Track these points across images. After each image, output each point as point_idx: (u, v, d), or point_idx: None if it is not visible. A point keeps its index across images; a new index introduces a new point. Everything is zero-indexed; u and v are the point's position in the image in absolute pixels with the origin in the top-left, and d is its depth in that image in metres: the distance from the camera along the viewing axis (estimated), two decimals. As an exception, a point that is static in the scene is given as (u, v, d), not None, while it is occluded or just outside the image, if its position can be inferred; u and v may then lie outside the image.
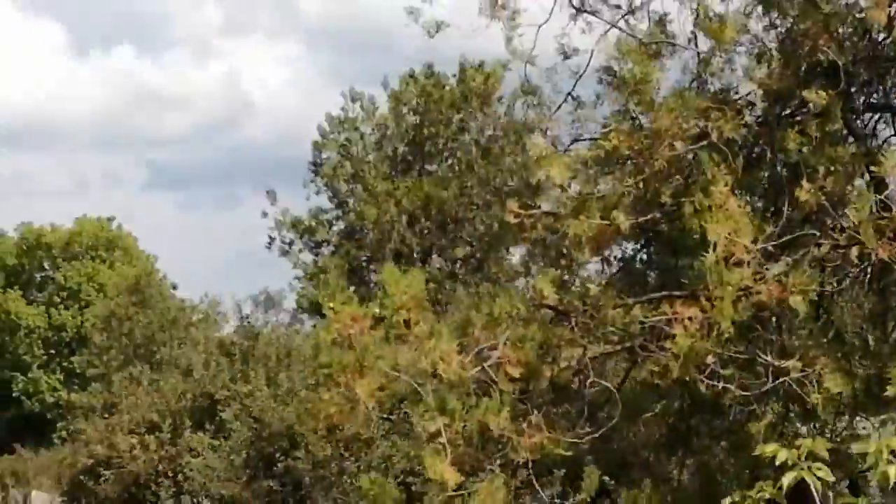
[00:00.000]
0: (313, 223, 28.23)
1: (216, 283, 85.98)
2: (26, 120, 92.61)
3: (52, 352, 56.81)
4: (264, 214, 27.92)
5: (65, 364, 56.50)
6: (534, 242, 12.01)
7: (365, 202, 27.41)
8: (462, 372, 9.92)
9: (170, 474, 10.75)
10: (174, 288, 48.14)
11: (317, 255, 28.54)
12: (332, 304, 9.61)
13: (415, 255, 28.35)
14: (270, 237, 28.18)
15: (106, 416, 12.70)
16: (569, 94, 12.76)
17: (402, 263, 27.82)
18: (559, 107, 12.67)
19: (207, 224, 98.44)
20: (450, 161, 29.27)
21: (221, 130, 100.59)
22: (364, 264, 27.99)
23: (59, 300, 57.28)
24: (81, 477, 11.74)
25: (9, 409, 56.10)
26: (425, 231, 28.56)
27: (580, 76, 12.66)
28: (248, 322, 25.15)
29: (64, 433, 50.95)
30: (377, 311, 9.89)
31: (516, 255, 26.99)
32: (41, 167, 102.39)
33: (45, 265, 59.00)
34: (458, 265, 28.70)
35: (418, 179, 28.32)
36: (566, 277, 11.83)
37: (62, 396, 55.03)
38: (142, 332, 44.56)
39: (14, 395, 55.91)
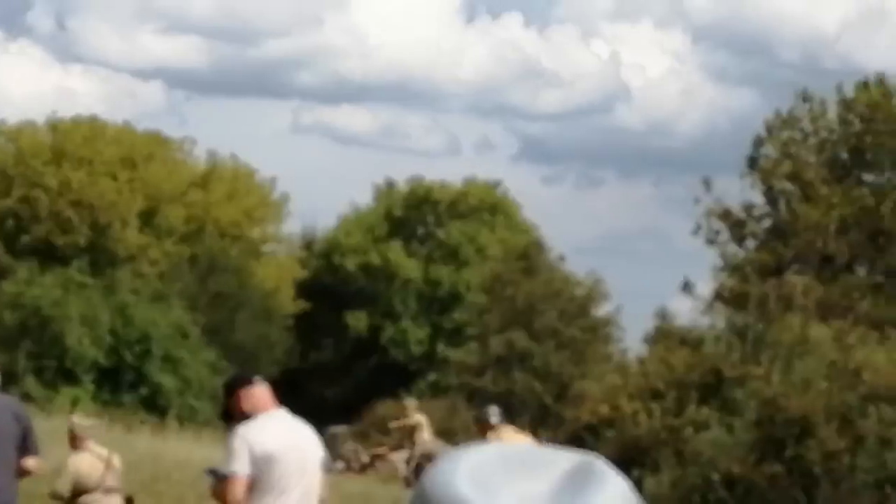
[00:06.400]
0: (742, 216, 27.99)
1: (583, 260, 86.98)
2: (410, 77, 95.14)
3: (424, 305, 58.09)
4: (697, 201, 27.77)
5: (434, 318, 57.74)
6: None
7: (800, 202, 26.98)
8: None
9: (671, 444, 10.88)
10: (561, 259, 48.48)
11: (741, 247, 28.30)
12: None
13: (839, 262, 27.73)
14: (698, 224, 28.04)
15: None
16: None
17: (826, 269, 27.32)
18: None
19: (569, 202, 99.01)
20: (887, 174, 28.53)
21: (595, 112, 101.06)
22: (788, 263, 27.56)
23: (437, 256, 58.49)
24: (582, 433, 11.98)
25: (373, 355, 57.71)
26: (854, 240, 27.92)
27: None
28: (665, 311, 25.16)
29: (423, 386, 52.29)
30: None
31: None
32: (413, 124, 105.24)
33: (429, 220, 60.36)
34: (883, 277, 27.95)
35: (856, 187, 27.73)
36: None
37: (427, 349, 56.31)
38: (524, 299, 45.22)
39: (381, 342, 57.45)
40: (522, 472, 1.33)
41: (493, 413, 14.52)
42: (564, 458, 1.36)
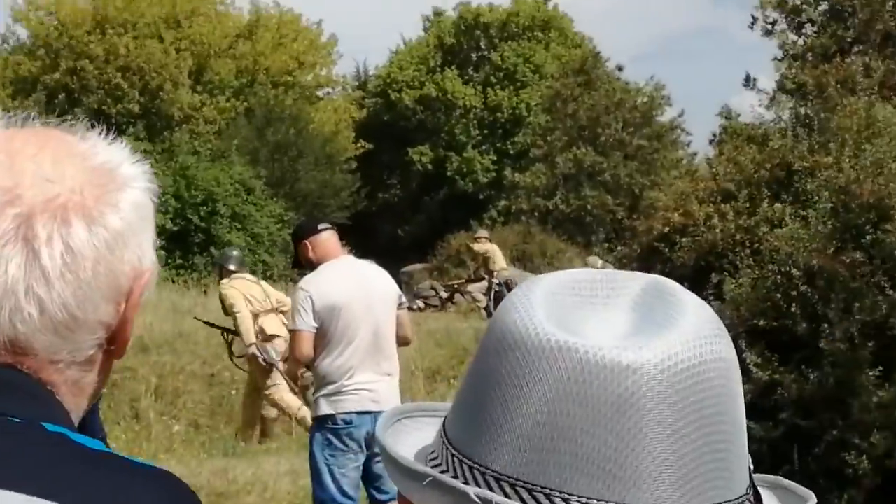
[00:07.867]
0: (798, 2, 27.11)
1: (642, 67, 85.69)
2: None
3: (486, 132, 57.54)
4: (750, -8, 26.90)
5: (498, 145, 57.24)
6: None
7: (856, -21, 26.11)
8: None
9: (747, 244, 10.55)
10: (619, 69, 47.69)
11: (800, 35, 27.48)
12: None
13: (903, 37, 26.84)
14: (753, 17, 27.21)
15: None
16: None
17: (890, 46, 26.50)
18: None
19: (620, 9, 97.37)
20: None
21: None
22: (849, 45, 26.76)
23: (494, 80, 57.71)
24: (656, 244, 11.68)
25: (441, 189, 57.46)
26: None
27: None
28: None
29: (494, 213, 52.04)
30: None
31: None
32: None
33: (482, 45, 59.46)
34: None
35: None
36: None
37: (495, 176, 55.95)
38: (586, 114, 44.66)
39: (448, 174, 57.11)
40: (597, 300, 1.30)
41: (233, 259, 14.87)
42: (633, 280, 1.33)
